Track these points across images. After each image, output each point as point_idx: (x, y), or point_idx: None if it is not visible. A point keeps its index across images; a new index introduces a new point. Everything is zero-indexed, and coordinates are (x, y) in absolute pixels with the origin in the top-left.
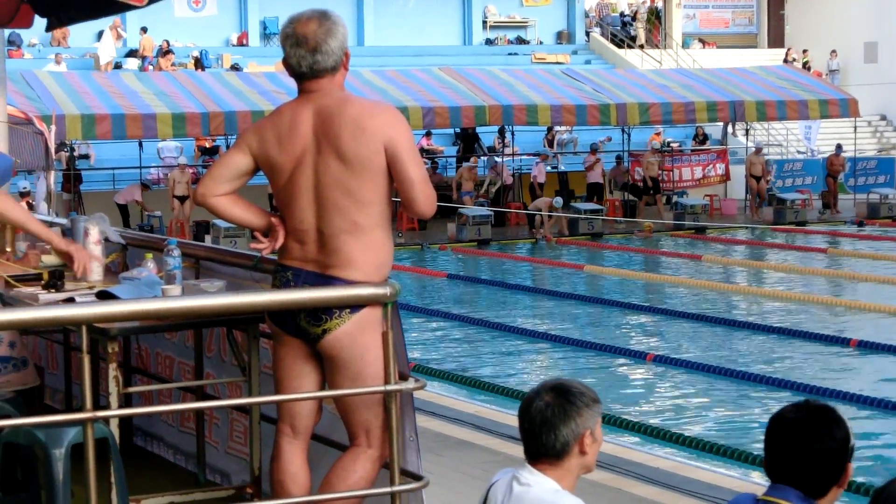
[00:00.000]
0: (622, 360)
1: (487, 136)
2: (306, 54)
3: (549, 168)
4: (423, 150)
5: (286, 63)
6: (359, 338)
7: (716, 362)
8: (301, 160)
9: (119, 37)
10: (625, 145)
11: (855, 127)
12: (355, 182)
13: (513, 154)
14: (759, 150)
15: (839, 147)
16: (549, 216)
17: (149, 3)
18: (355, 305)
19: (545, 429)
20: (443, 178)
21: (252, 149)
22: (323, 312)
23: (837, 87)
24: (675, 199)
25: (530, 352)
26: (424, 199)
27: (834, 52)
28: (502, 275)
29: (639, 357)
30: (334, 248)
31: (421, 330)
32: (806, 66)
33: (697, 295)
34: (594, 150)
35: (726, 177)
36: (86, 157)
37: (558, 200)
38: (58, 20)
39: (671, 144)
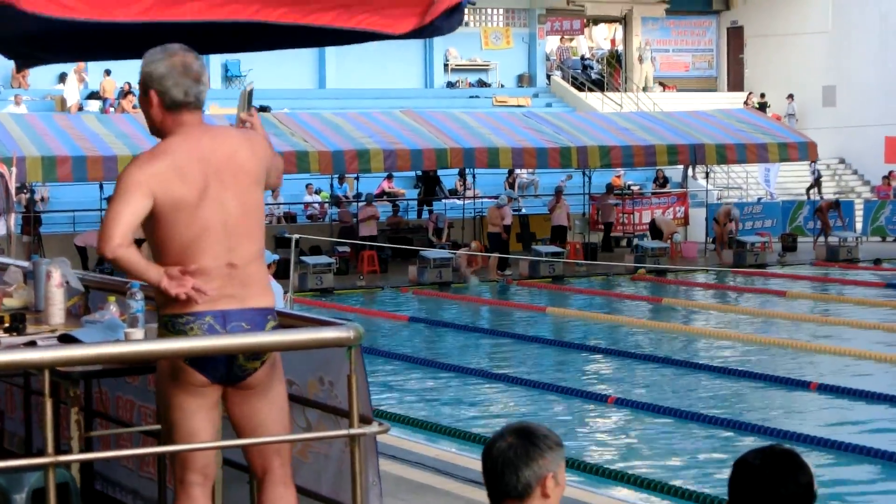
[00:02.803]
0: (584, 403)
1: (449, 178)
2: (192, 84)
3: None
4: (384, 193)
5: (161, 93)
6: (278, 360)
7: (678, 405)
8: (203, 195)
9: (82, 80)
10: (586, 188)
11: (818, 172)
12: (256, 212)
13: (474, 196)
14: (728, 213)
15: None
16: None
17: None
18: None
19: (507, 469)
20: (403, 221)
21: (155, 191)
22: None
23: (796, 130)
24: (635, 241)
25: (492, 395)
26: (279, 181)
27: (791, 95)
28: (464, 317)
29: (600, 400)
30: (246, 277)
31: (382, 373)
32: (764, 108)
33: (659, 337)
34: (559, 192)
35: (686, 220)
36: (41, 199)
37: (473, 247)
38: (27, 60)
39: (632, 187)
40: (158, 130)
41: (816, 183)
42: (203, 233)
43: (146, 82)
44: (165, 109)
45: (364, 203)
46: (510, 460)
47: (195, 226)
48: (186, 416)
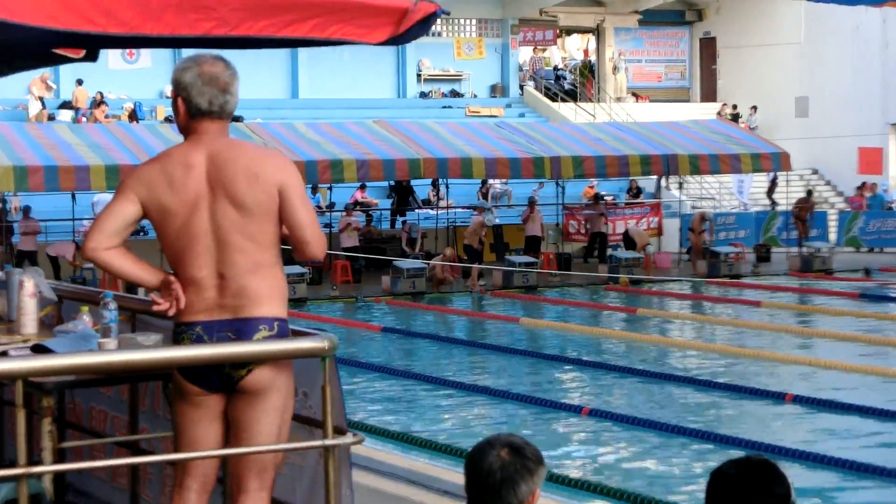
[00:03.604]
0: (557, 414)
1: (422, 188)
2: (218, 93)
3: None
4: (357, 203)
5: (186, 101)
6: (278, 373)
7: (652, 416)
8: (196, 204)
9: (49, 88)
10: (559, 198)
11: (787, 181)
12: (255, 227)
13: (447, 207)
14: (703, 218)
15: (810, 192)
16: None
17: (86, 59)
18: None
19: (506, 485)
20: (374, 231)
21: (140, 195)
22: None
23: (769, 140)
24: (609, 252)
25: (465, 405)
26: (317, 241)
27: (754, 107)
28: (437, 328)
29: (574, 411)
30: (239, 288)
31: (356, 384)
32: (737, 119)
33: (634, 348)
34: (532, 202)
35: (659, 231)
36: (14, 210)
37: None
38: None
39: (605, 197)
40: (183, 133)
41: (772, 187)
42: (192, 242)
43: (175, 88)
44: (190, 117)
45: (343, 213)
46: (510, 477)
47: (184, 235)
48: (188, 425)
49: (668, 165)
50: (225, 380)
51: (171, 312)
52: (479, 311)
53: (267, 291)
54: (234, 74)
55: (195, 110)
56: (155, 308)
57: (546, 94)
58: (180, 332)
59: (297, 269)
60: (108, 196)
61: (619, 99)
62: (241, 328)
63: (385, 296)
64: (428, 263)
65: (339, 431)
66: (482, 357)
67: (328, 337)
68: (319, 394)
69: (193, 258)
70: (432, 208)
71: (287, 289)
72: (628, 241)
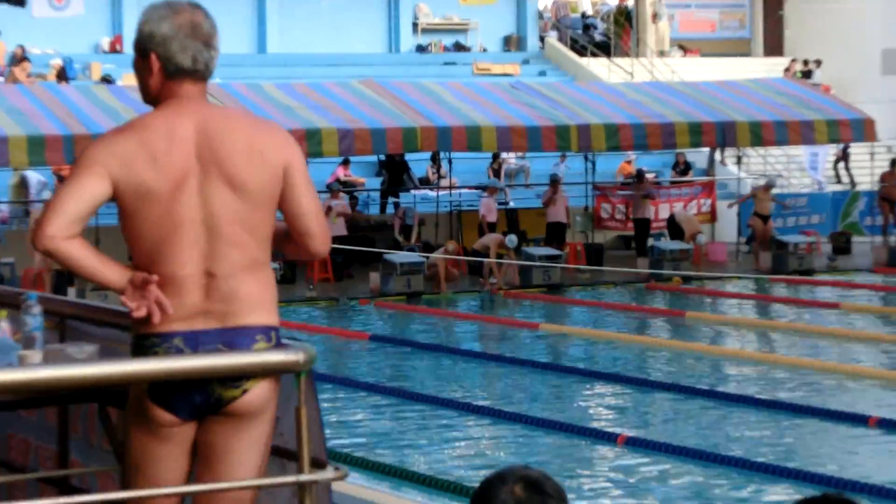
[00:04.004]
0: (587, 443)
1: (419, 164)
2: (203, 48)
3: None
4: (339, 182)
5: (164, 58)
6: (274, 394)
7: (705, 445)
8: (182, 185)
9: None
10: (588, 176)
11: (872, 153)
12: (258, 216)
13: (450, 187)
14: (770, 186)
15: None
16: (500, 263)
17: (12, 1)
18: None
19: None
20: (360, 216)
21: (113, 172)
22: None
23: (849, 104)
24: (650, 242)
25: (471, 432)
26: (322, 233)
27: (818, 62)
28: (437, 336)
29: (607, 439)
30: (231, 290)
31: (338, 405)
32: (808, 76)
33: (681, 361)
34: (555, 182)
35: (713, 216)
36: None
37: (511, 239)
38: None
39: (646, 175)
40: (154, 100)
41: (844, 157)
42: (175, 231)
43: (145, 44)
44: (166, 77)
45: (327, 194)
46: None
47: (166, 222)
48: (151, 463)
49: (723, 135)
50: (213, 403)
51: (157, 320)
52: (489, 316)
53: (261, 295)
54: (215, 25)
55: (175, 69)
56: (135, 315)
57: (572, 48)
58: (150, 346)
59: None
60: (36, 175)
61: (662, 53)
62: (233, 340)
63: (374, 297)
64: (426, 257)
65: (317, 464)
66: (493, 372)
67: (304, 348)
68: (293, 418)
69: (177, 252)
70: (432, 189)
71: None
72: (674, 228)
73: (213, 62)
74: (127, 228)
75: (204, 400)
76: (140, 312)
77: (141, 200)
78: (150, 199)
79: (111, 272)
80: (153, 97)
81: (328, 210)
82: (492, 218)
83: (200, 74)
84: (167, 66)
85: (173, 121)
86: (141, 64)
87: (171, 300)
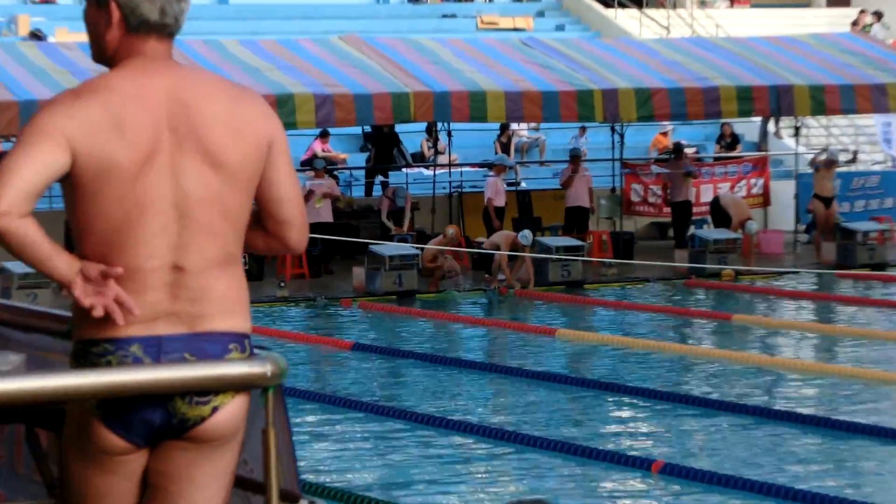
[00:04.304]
0: (614, 471)
1: (412, 137)
2: (172, 0)
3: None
4: (316, 158)
5: (126, 8)
6: (244, 410)
7: (757, 473)
8: (151, 160)
9: None
10: (615, 151)
11: None
12: (237, 200)
13: (450, 165)
14: (832, 163)
15: None
16: (513, 256)
17: None
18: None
19: None
20: (342, 199)
21: (74, 141)
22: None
23: None
24: (691, 231)
25: (475, 458)
26: (304, 223)
27: (878, 14)
28: (436, 344)
29: (639, 466)
30: (202, 289)
31: (314, 427)
32: (879, 31)
33: (726, 373)
34: (576, 158)
35: (766, 199)
36: None
37: (525, 235)
38: None
39: (685, 150)
40: (110, 59)
41: None
42: (141, 215)
43: None
44: (127, 32)
45: (311, 173)
46: None
47: (130, 204)
48: (94, 498)
49: (778, 102)
50: (175, 424)
51: (121, 321)
52: (497, 320)
53: (235, 295)
54: None
55: (139, 22)
56: (95, 314)
57: None
58: (100, 354)
59: None
60: None
61: (703, 3)
62: (203, 348)
63: (358, 296)
64: (421, 249)
65: (288, 498)
66: (501, 387)
67: (272, 358)
68: (260, 443)
69: (140, 240)
70: (427, 167)
71: None
72: (719, 214)
73: (184, 16)
74: (80, 211)
75: (165, 421)
76: (97, 312)
77: (103, 177)
78: (114, 175)
79: (62, 263)
80: (108, 56)
81: (310, 193)
82: (499, 202)
83: (169, 30)
84: (129, 18)
85: (141, 83)
86: (95, 14)
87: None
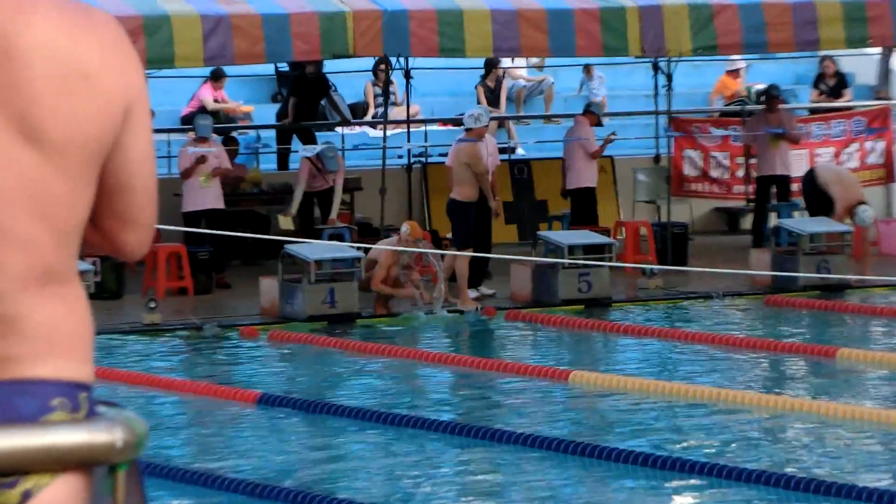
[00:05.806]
0: None
1: (350, 82)
2: None
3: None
4: (205, 112)
5: None
6: (87, 490)
7: None
8: None
9: None
10: (660, 101)
11: None
12: (64, 190)
13: (408, 121)
14: None
15: None
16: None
17: None
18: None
19: None
20: (245, 173)
21: None
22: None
23: None
24: (774, 221)
25: None
26: (151, 224)
27: None
28: (385, 396)
29: None
30: (9, 320)
31: None
32: None
33: (823, 437)
34: (590, 112)
35: (889, 173)
36: None
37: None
38: None
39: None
40: None
41: None
42: None
43: None
44: None
45: (192, 135)
46: None
47: None
48: None
49: None
50: None
51: None
52: (479, 358)
53: (65, 327)
54: None
55: None
56: None
57: None
58: None
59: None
60: None
61: None
62: (10, 403)
63: (267, 323)
64: (364, 250)
65: None
66: (484, 459)
67: (124, 420)
68: None
69: None
70: (374, 125)
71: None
72: (817, 196)
73: None
74: None
75: None
76: None
77: None
78: None
79: None
80: None
81: (193, 166)
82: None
83: None
84: None
85: None
86: None
87: None
